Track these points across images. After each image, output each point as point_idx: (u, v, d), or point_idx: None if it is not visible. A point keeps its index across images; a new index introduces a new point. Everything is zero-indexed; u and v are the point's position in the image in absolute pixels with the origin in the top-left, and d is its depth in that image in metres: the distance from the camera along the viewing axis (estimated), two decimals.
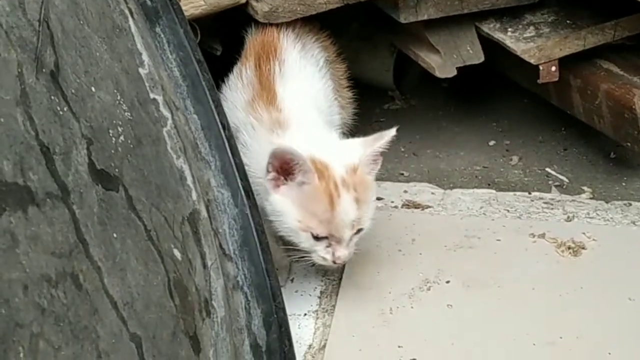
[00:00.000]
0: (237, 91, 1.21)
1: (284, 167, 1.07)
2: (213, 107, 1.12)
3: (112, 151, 0.91)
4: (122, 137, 0.95)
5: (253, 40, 1.25)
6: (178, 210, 0.99)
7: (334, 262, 1.09)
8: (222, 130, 1.11)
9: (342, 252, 1.08)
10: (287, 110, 1.14)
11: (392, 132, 1.10)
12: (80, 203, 0.82)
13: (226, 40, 1.41)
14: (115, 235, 0.86)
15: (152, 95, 1.04)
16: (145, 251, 0.91)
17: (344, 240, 1.08)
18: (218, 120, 1.12)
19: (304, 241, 1.09)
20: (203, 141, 1.12)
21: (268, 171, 1.08)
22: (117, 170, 0.91)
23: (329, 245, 1.08)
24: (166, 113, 1.06)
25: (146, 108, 1.01)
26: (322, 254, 1.09)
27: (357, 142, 1.12)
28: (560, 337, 1.09)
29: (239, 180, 1.10)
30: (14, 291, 0.66)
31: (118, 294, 0.82)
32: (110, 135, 0.92)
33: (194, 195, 1.06)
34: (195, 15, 1.24)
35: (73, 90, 0.88)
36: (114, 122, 0.94)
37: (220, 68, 1.25)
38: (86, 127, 0.88)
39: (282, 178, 1.08)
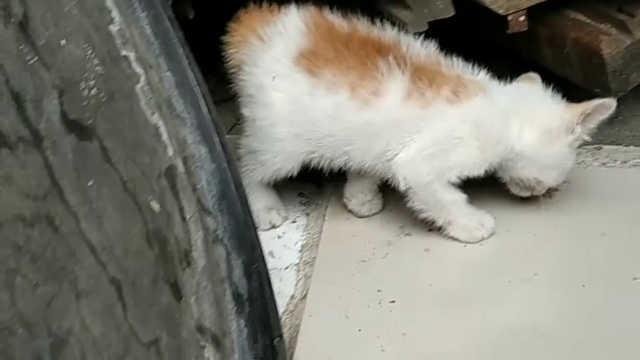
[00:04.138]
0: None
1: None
2: (186, 64, 1.12)
3: (85, 103, 0.93)
4: (94, 90, 0.96)
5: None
6: (154, 164, 1.01)
7: None
8: (196, 87, 1.12)
9: None
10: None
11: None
12: (54, 150, 0.83)
13: (198, 4, 1.41)
14: (90, 183, 0.87)
15: (123, 52, 1.05)
16: (122, 201, 0.92)
17: None
18: (192, 76, 1.12)
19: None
20: (178, 98, 1.13)
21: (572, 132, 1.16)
22: (90, 121, 0.92)
23: None
24: (139, 70, 1.07)
25: (118, 64, 1.02)
26: None
27: None
28: (535, 274, 1.11)
29: (215, 135, 1.12)
30: None
31: (96, 238, 0.84)
32: (82, 87, 0.93)
33: (170, 151, 1.06)
34: None
35: (43, 42, 0.89)
36: (86, 75, 0.95)
37: (192, 32, 1.25)
38: (57, 78, 0.89)
39: None
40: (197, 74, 1.14)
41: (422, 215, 1.18)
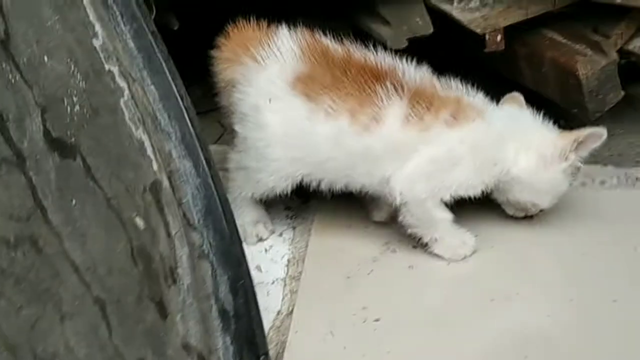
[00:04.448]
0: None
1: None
2: (170, 78, 1.12)
3: (68, 120, 0.91)
4: (77, 107, 0.94)
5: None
6: (139, 179, 0.99)
7: None
8: (180, 101, 1.11)
9: None
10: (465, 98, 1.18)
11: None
12: (37, 170, 0.82)
13: (182, 14, 1.40)
14: (74, 202, 0.86)
15: (107, 67, 1.04)
16: (106, 218, 0.91)
17: None
18: (176, 91, 1.12)
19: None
20: (162, 112, 1.12)
21: (566, 159, 1.19)
22: (73, 139, 0.91)
23: None
24: (122, 84, 1.06)
25: (101, 79, 1.01)
26: None
27: None
28: (517, 293, 1.12)
29: (200, 150, 1.11)
30: None
31: (79, 258, 0.83)
32: (65, 104, 0.92)
33: (155, 166, 1.05)
34: None
35: (25, 59, 0.88)
36: (69, 91, 0.94)
37: (177, 43, 1.24)
38: (40, 95, 0.88)
39: None
40: (181, 87, 1.13)
41: (411, 231, 1.18)
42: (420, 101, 1.13)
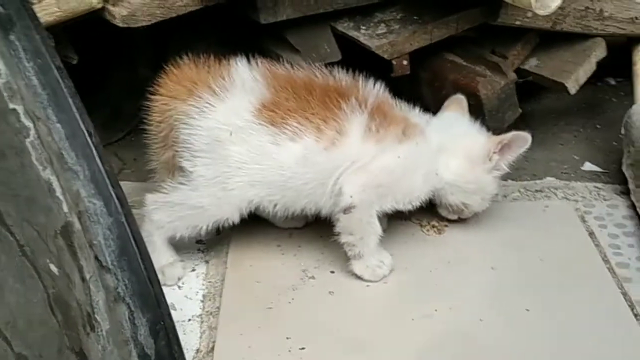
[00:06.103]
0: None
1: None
2: (77, 114, 1.08)
3: None
4: None
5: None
6: (50, 223, 0.96)
7: None
8: (88, 138, 1.08)
9: None
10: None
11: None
12: None
13: (82, 48, 1.36)
14: None
15: (11, 106, 0.99)
16: (21, 268, 0.87)
17: None
18: (83, 127, 1.08)
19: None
20: (69, 151, 1.08)
21: (490, 159, 1.27)
22: None
23: None
24: (28, 123, 1.02)
25: (7, 119, 0.97)
26: None
27: None
28: (435, 310, 1.17)
29: (110, 188, 1.07)
30: None
31: None
32: None
33: (65, 207, 1.02)
34: (50, 23, 1.18)
35: None
36: None
37: (77, 77, 1.20)
38: None
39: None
40: (89, 123, 1.09)
41: (345, 239, 1.21)
42: (378, 116, 1.19)
